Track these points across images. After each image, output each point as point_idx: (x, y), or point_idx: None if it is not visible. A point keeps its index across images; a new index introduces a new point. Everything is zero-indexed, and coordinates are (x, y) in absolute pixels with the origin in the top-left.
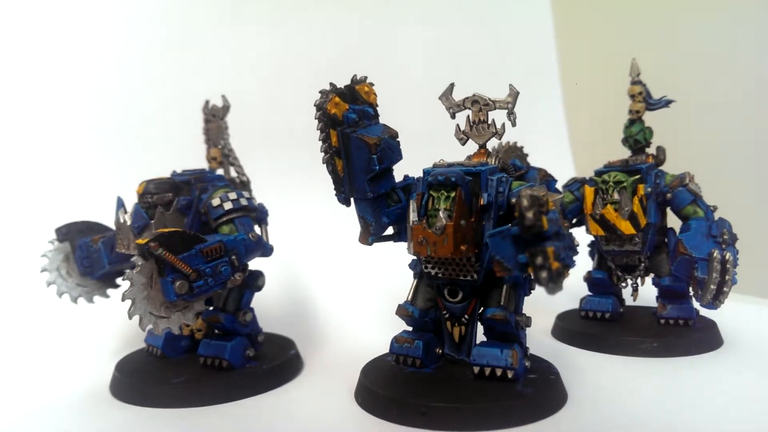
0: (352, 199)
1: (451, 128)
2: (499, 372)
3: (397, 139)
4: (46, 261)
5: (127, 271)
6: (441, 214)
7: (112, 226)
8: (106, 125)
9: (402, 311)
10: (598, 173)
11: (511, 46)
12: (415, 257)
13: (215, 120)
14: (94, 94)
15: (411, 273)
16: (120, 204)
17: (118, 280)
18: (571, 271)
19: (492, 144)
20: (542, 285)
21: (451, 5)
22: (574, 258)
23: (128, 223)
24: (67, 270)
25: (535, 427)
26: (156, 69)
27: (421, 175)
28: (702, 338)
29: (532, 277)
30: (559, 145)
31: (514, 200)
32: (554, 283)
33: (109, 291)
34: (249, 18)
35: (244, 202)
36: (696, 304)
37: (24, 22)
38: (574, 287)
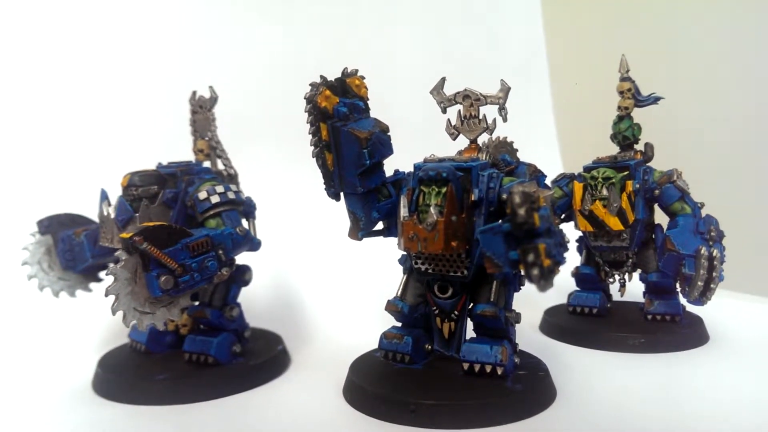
0: (341, 194)
1: (442, 122)
2: (488, 368)
3: (388, 134)
4: (27, 254)
5: (111, 265)
6: (432, 209)
7: (96, 219)
8: (91, 116)
9: (391, 307)
10: (587, 169)
11: (501, 41)
12: (404, 252)
13: (202, 111)
14: (78, 84)
15: (400, 268)
16: (104, 196)
17: (101, 274)
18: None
19: (482, 139)
20: (533, 282)
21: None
22: (565, 255)
23: (112, 216)
24: (49, 263)
25: (524, 423)
26: (141, 59)
27: (412, 169)
28: (688, 334)
29: (524, 275)
30: (548, 140)
31: (505, 196)
32: (545, 280)
33: (92, 285)
34: (237, 8)
35: (231, 195)
36: (683, 300)
37: (10, 11)
38: (562, 282)
